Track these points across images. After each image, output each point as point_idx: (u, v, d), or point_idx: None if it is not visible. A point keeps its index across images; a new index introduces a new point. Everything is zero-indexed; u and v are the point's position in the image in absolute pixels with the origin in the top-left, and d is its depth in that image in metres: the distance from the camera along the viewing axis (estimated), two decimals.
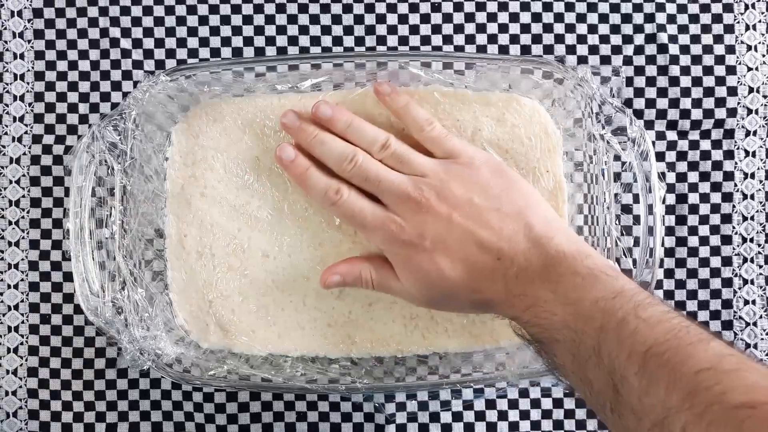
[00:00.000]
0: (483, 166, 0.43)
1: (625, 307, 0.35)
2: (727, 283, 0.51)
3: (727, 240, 0.51)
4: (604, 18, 0.51)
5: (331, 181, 0.44)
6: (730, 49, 0.51)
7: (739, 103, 0.51)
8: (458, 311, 0.46)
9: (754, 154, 0.51)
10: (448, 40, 0.51)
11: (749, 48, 0.51)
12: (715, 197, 0.51)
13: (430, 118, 0.44)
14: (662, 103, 0.51)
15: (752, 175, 0.51)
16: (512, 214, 0.41)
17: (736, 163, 0.51)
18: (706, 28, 0.51)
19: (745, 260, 0.51)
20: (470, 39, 0.51)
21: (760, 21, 0.51)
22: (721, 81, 0.51)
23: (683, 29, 0.51)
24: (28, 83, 0.51)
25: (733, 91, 0.51)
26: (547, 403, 0.50)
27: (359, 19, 0.51)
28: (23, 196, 0.51)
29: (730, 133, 0.51)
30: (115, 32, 0.51)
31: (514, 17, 0.51)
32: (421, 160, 0.43)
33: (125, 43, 0.51)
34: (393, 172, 0.43)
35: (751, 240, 0.51)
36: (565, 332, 0.37)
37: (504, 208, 0.42)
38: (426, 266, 0.42)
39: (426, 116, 0.44)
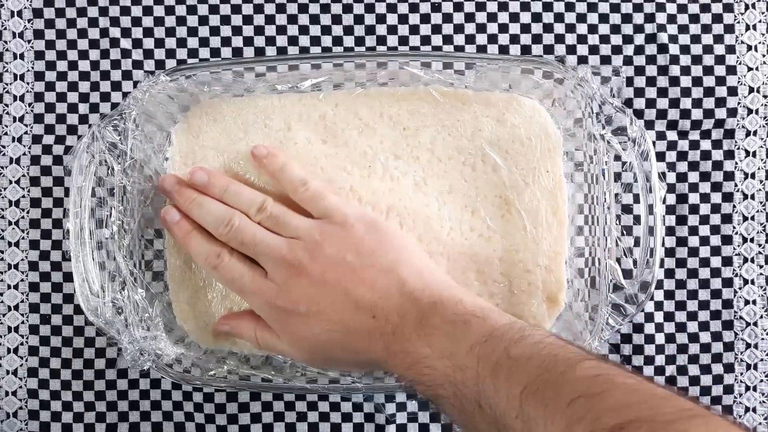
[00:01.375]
0: (357, 224, 0.42)
1: (497, 350, 0.35)
2: (728, 283, 0.51)
3: (727, 240, 0.51)
4: (604, 18, 0.51)
5: (213, 245, 0.43)
6: (731, 49, 0.51)
7: (739, 103, 0.51)
8: (348, 370, 0.45)
9: (754, 154, 0.51)
10: (448, 40, 0.51)
11: (749, 48, 0.51)
12: (716, 197, 0.51)
13: (305, 179, 0.44)
14: (662, 103, 0.51)
15: (752, 175, 0.51)
16: (385, 269, 0.41)
17: (736, 163, 0.51)
18: (706, 28, 0.51)
19: (745, 260, 0.51)
20: (470, 39, 0.51)
21: (760, 21, 0.51)
22: (721, 81, 0.51)
23: (683, 29, 0.51)
24: (28, 83, 0.51)
25: (733, 91, 0.51)
26: None
27: (359, 19, 0.51)
28: (23, 197, 0.51)
29: (730, 133, 0.51)
30: (115, 32, 0.51)
31: (514, 17, 0.51)
32: (297, 222, 0.43)
33: (125, 43, 0.51)
34: (270, 235, 0.43)
35: (752, 240, 0.51)
36: (448, 387, 0.36)
37: (377, 264, 0.41)
38: (301, 332, 0.41)
39: (301, 177, 0.44)
